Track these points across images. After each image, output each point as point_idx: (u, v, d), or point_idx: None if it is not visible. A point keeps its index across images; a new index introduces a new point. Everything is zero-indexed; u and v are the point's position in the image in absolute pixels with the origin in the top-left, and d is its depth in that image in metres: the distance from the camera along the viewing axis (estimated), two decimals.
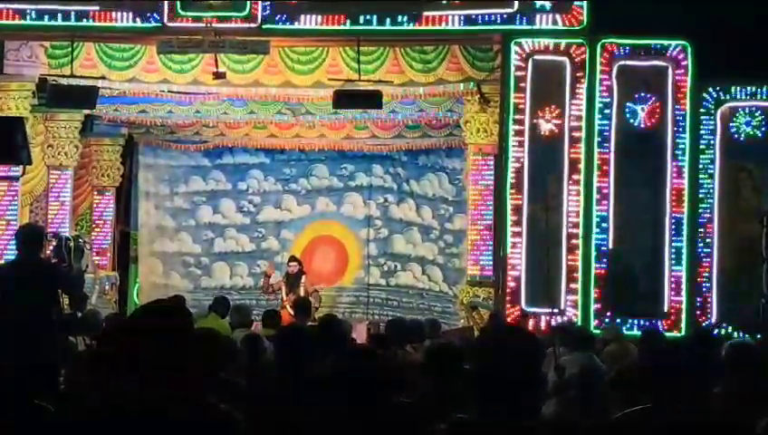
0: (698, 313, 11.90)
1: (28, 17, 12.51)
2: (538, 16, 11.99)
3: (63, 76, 13.26)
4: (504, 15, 12.08)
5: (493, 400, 3.43)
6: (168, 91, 14.49)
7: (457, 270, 16.56)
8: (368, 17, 12.24)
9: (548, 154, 11.99)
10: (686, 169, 11.97)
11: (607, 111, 11.99)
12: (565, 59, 12.01)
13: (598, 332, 10.73)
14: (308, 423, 4.39)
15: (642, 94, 12.04)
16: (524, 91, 12.02)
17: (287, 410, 4.72)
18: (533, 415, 3.53)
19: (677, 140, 11.98)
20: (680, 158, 11.98)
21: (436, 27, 12.24)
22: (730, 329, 11.64)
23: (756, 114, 12.19)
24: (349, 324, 11.34)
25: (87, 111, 15.09)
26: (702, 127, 12.08)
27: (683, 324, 11.80)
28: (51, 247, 12.73)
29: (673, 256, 11.90)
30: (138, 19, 12.40)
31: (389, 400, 4.46)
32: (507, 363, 3.43)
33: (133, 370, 3.29)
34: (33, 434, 4.47)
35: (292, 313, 13.49)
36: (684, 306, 11.86)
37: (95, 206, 16.89)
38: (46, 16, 12.48)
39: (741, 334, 11.15)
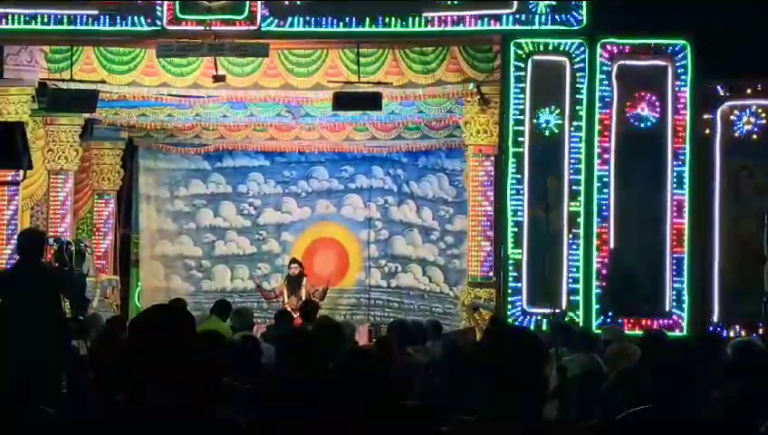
0: (700, 312, 11.90)
1: (28, 22, 12.51)
2: (537, 16, 12.00)
3: (63, 80, 13.27)
4: (504, 16, 12.08)
5: (494, 401, 3.43)
6: (168, 95, 14.49)
7: (458, 271, 16.56)
8: (367, 19, 12.24)
9: (548, 154, 11.99)
10: (686, 169, 11.97)
11: (607, 111, 11.98)
12: (565, 59, 12.01)
13: (599, 332, 10.72)
14: (313, 427, 4.38)
15: (642, 94, 12.04)
16: (524, 91, 12.02)
17: (291, 413, 4.71)
18: (535, 416, 3.52)
19: (678, 140, 11.98)
20: (681, 157, 11.98)
21: (436, 28, 12.24)
22: (731, 327, 11.68)
23: (757, 112, 12.20)
24: (352, 327, 11.33)
25: (87, 115, 15.10)
26: (702, 126, 12.08)
27: (684, 324, 11.80)
28: (52, 252, 12.76)
29: (674, 256, 11.89)
30: (137, 23, 12.41)
31: (398, 402, 4.45)
32: (509, 364, 3.43)
33: (134, 374, 3.29)
34: None
35: (296, 315, 13.47)
36: (686, 306, 11.86)
37: (96, 210, 16.89)
38: (46, 21, 12.49)
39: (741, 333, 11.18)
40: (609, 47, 12.00)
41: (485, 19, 12.14)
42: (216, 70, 12.80)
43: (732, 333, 11.47)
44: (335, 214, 17.92)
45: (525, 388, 3.43)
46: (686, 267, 11.90)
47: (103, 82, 13.44)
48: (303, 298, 15.09)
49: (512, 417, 3.40)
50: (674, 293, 11.85)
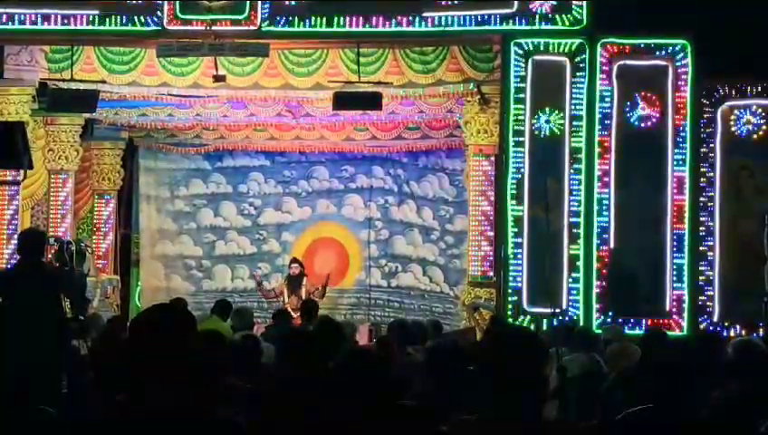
0: (700, 312, 11.90)
1: (28, 21, 12.52)
2: (538, 16, 12.00)
3: (63, 80, 13.27)
4: (504, 16, 12.09)
5: (494, 401, 3.43)
6: (168, 95, 14.49)
7: (458, 271, 16.56)
8: (367, 19, 12.25)
9: (548, 154, 11.99)
10: (686, 169, 11.97)
11: (607, 111, 11.99)
12: (565, 59, 12.01)
13: (600, 332, 10.73)
14: (312, 426, 4.38)
15: (642, 94, 12.04)
16: (524, 91, 12.02)
17: (292, 413, 4.71)
18: (535, 416, 3.52)
19: (678, 140, 11.98)
20: (681, 157, 11.98)
21: (436, 28, 12.24)
22: (732, 327, 11.69)
23: (757, 112, 12.20)
24: (353, 326, 11.33)
25: (87, 115, 15.10)
26: (702, 126, 12.08)
27: (685, 323, 11.80)
28: (52, 251, 12.78)
29: (674, 256, 11.89)
30: (137, 22, 12.41)
31: (397, 402, 4.45)
32: (509, 364, 3.43)
33: (134, 374, 3.28)
34: None
35: (296, 315, 13.47)
36: (686, 305, 11.86)
37: (96, 210, 16.89)
38: (46, 20, 12.49)
39: (741, 333, 11.18)
40: (609, 47, 12.00)
41: (486, 19, 12.14)
42: (217, 70, 12.80)
43: (732, 333, 11.47)
44: (335, 214, 17.92)
45: (525, 388, 3.43)
46: (686, 267, 11.90)
47: (103, 81, 13.44)
48: (303, 298, 15.09)
49: (512, 417, 3.40)
50: (674, 292, 11.85)
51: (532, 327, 11.36)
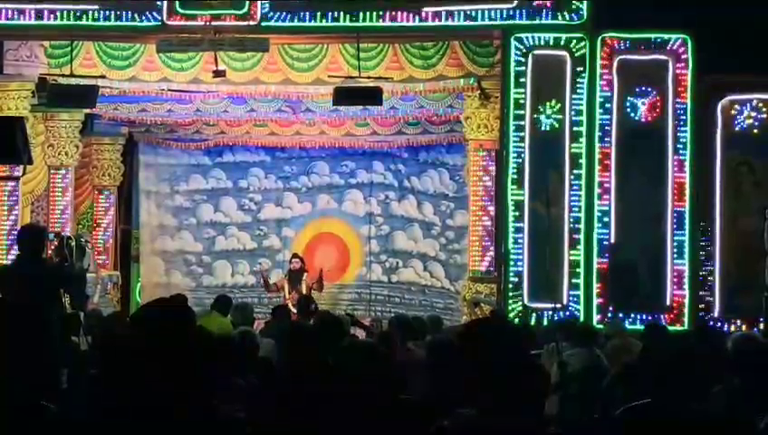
0: (701, 306, 11.90)
1: (28, 17, 12.51)
2: (538, 11, 11.99)
3: (63, 76, 13.25)
4: (504, 11, 12.08)
5: (489, 394, 3.42)
6: (168, 90, 14.48)
7: (459, 266, 16.56)
8: (367, 13, 12.24)
9: (549, 149, 11.99)
10: (687, 163, 11.96)
11: (607, 106, 11.99)
12: (565, 54, 12.00)
13: (600, 327, 10.72)
14: (313, 422, 4.38)
15: (643, 88, 12.04)
16: (525, 86, 12.02)
17: (292, 409, 4.71)
18: (536, 410, 3.51)
19: (678, 134, 11.98)
20: (681, 151, 11.97)
21: (437, 23, 12.23)
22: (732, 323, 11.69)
23: (757, 107, 12.19)
24: (347, 320, 11.29)
25: (87, 111, 15.09)
26: (703, 120, 12.07)
27: (685, 318, 11.80)
28: (52, 247, 12.76)
29: (675, 250, 11.89)
30: (137, 18, 12.39)
31: (396, 397, 4.45)
32: (493, 354, 3.42)
33: (134, 370, 3.28)
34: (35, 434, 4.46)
35: (294, 310, 13.46)
36: (686, 300, 11.86)
37: (96, 205, 16.89)
38: (46, 15, 12.48)
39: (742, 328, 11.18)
40: (609, 42, 11.99)
41: (486, 14, 12.13)
42: (217, 65, 12.79)
43: (732, 328, 11.48)
44: (336, 209, 17.92)
45: (514, 374, 3.42)
46: (686, 262, 11.89)
47: (103, 77, 13.43)
48: (304, 293, 15.10)
49: (511, 412, 3.39)
50: (674, 287, 11.85)
51: (533, 322, 11.39)
